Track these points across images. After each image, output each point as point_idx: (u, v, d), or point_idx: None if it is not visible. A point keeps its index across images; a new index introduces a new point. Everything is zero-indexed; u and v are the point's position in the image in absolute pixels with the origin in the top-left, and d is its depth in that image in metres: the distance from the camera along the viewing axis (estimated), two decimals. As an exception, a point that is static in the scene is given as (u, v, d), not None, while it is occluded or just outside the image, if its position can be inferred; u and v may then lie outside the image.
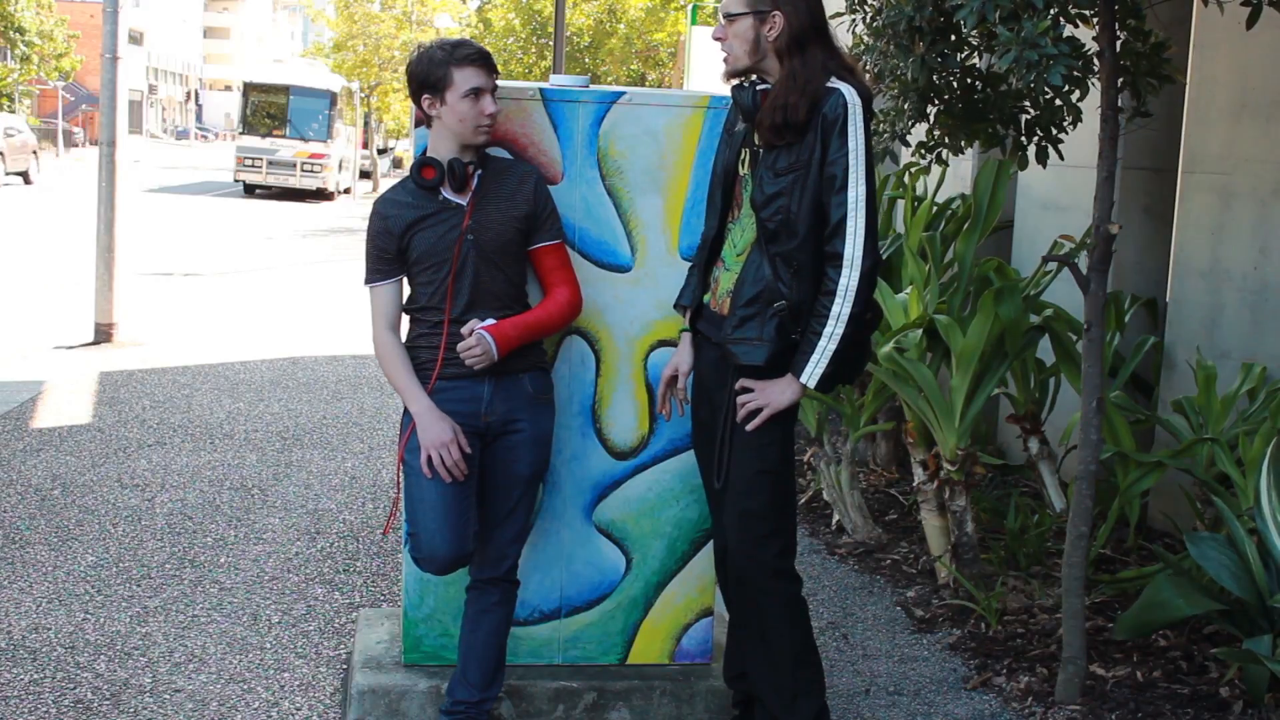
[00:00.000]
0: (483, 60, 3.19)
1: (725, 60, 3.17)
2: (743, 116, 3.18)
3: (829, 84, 3.03)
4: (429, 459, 3.16)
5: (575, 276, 3.39)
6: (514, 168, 3.33)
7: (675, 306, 3.44)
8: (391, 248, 3.26)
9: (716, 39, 3.17)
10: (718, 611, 3.71)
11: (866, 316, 3.11)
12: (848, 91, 3.02)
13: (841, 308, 3.02)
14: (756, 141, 3.15)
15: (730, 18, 3.11)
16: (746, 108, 3.12)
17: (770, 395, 3.11)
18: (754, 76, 3.16)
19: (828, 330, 3.04)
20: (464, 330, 3.20)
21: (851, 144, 3.00)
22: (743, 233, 3.19)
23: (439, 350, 3.24)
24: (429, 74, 3.17)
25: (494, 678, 3.36)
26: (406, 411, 3.25)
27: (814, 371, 3.06)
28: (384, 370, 3.31)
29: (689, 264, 3.46)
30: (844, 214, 3.01)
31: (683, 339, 3.40)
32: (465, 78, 3.15)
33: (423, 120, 3.27)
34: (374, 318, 3.30)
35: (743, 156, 3.21)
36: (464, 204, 3.24)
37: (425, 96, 3.20)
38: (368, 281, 3.31)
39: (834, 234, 3.03)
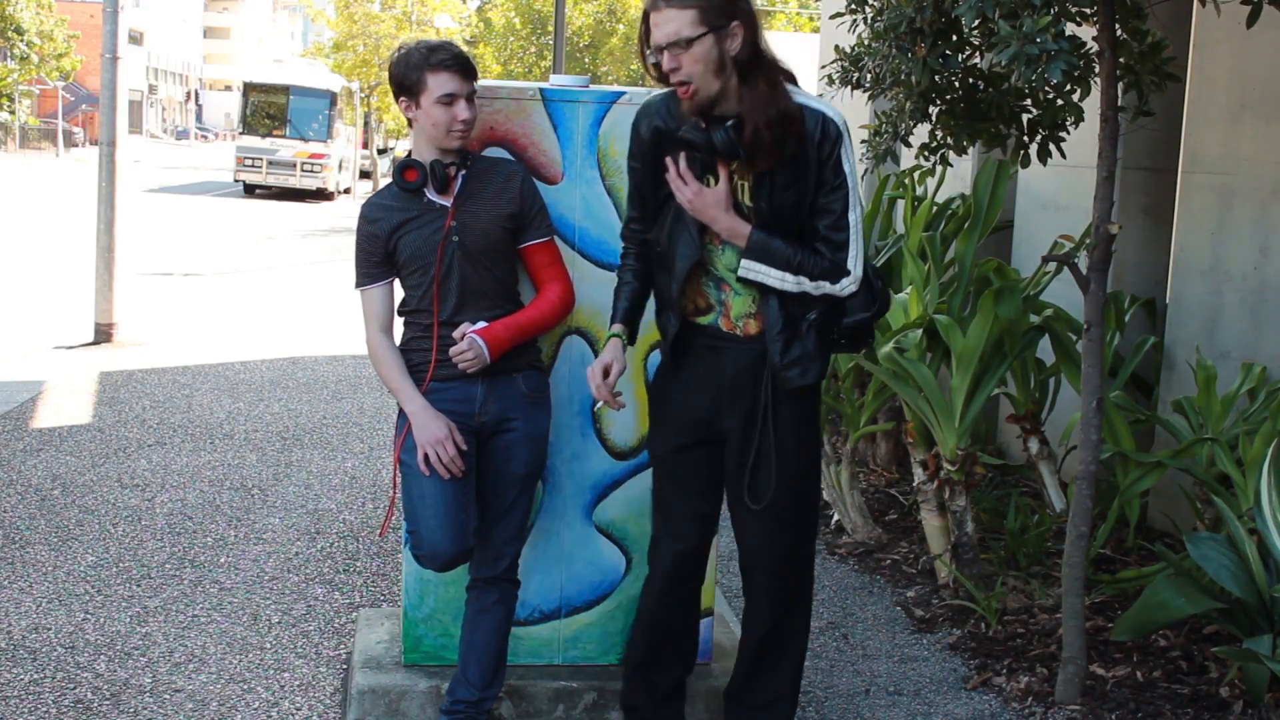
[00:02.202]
0: (458, 65, 3.14)
1: (687, 93, 2.88)
2: (721, 157, 2.93)
3: (811, 105, 2.94)
4: (425, 456, 3.17)
5: (567, 273, 3.38)
6: (500, 166, 3.31)
7: (613, 325, 3.19)
8: (379, 251, 3.26)
9: (670, 70, 2.85)
10: (718, 611, 3.71)
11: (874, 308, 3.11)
12: (833, 113, 2.95)
13: (819, 289, 2.98)
14: (736, 178, 2.98)
15: (684, 44, 2.83)
16: (727, 149, 2.89)
17: (708, 199, 2.94)
18: (714, 111, 2.91)
19: (799, 280, 2.96)
20: (456, 334, 3.20)
21: (847, 167, 2.96)
22: (738, 254, 3.02)
23: (431, 352, 3.25)
24: (404, 77, 3.16)
25: (494, 677, 3.36)
26: (402, 412, 3.26)
27: (749, 259, 2.96)
28: (378, 372, 3.32)
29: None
30: (847, 238, 2.98)
31: (612, 344, 3.14)
32: (439, 83, 3.12)
33: None
34: (366, 321, 3.31)
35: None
36: (448, 205, 3.23)
37: (402, 99, 3.20)
38: (358, 285, 3.32)
39: (838, 249, 2.98)
